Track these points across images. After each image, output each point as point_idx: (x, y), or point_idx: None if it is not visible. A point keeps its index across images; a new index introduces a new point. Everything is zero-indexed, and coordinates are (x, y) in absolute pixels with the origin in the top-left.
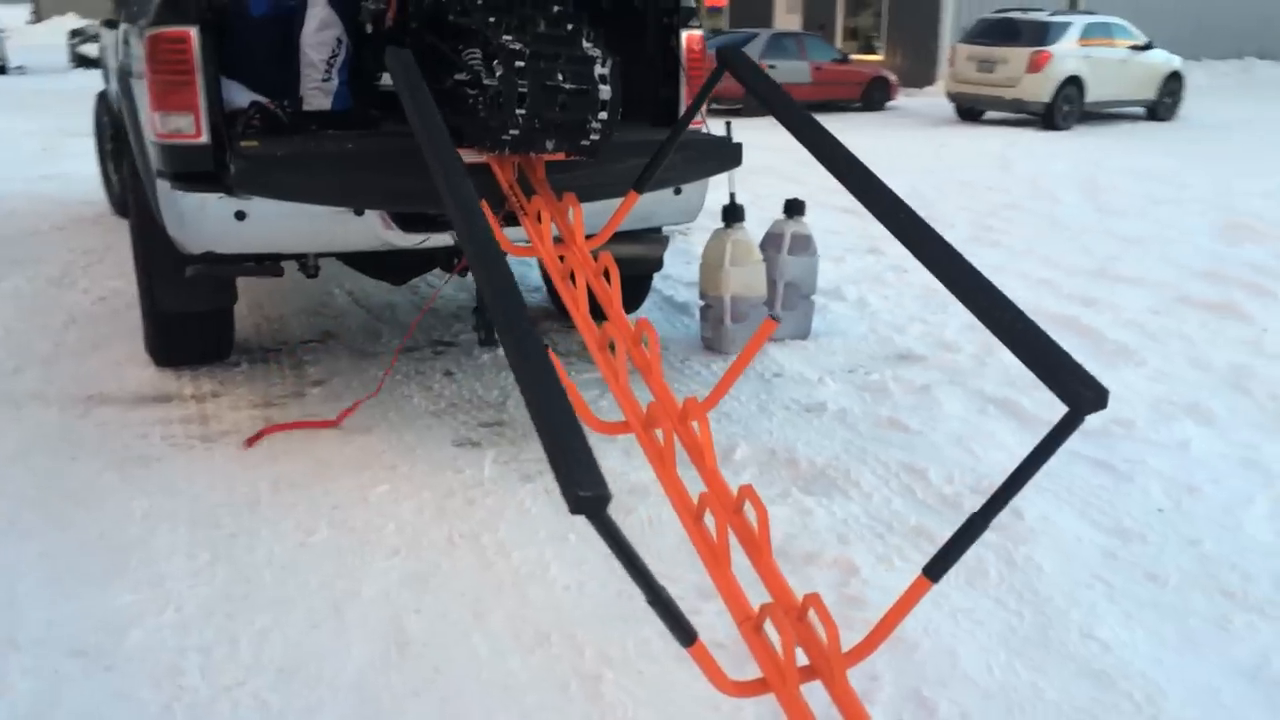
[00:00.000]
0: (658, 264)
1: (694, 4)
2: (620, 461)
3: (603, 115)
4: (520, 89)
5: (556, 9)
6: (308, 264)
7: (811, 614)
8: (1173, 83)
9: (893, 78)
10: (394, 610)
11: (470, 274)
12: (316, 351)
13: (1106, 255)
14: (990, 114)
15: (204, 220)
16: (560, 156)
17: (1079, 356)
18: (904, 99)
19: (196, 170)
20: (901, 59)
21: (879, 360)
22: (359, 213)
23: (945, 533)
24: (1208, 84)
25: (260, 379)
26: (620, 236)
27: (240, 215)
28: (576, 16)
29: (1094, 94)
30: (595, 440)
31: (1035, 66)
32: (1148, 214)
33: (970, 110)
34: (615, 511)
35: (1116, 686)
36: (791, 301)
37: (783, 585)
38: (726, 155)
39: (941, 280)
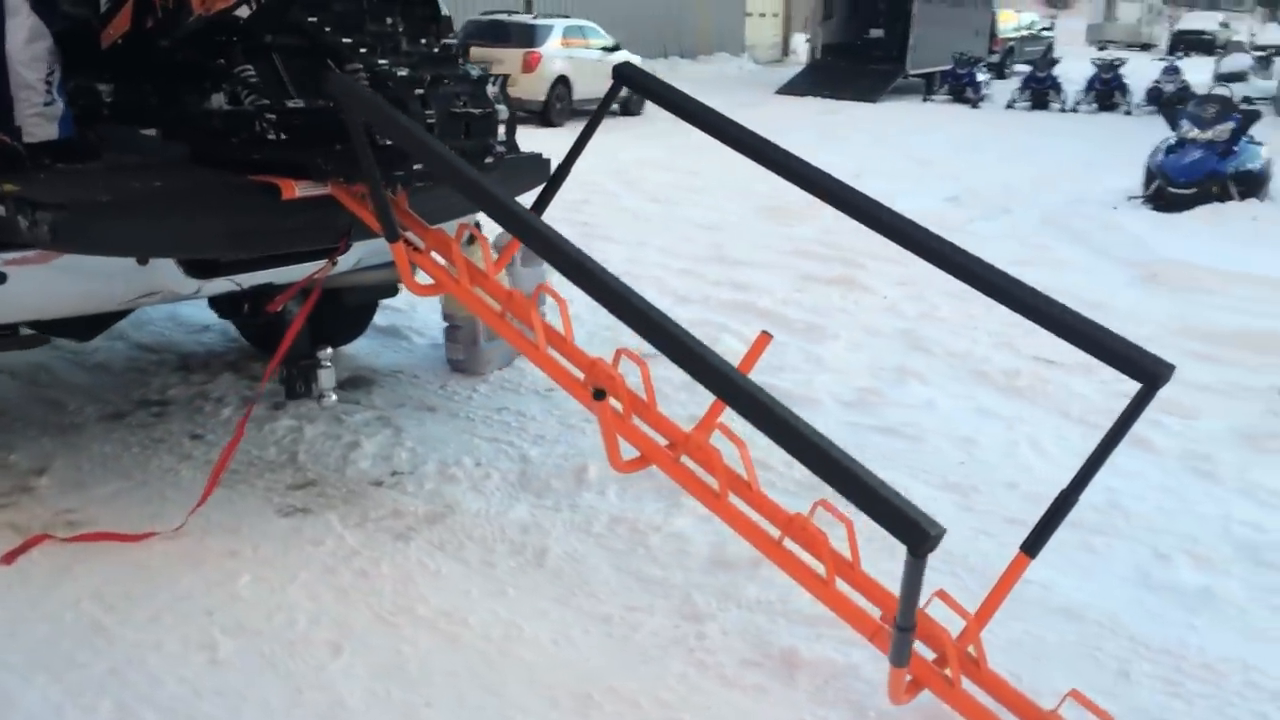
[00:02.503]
0: (393, 290)
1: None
2: (477, 502)
3: (502, 136)
4: (428, 120)
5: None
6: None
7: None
8: None
9: None
10: (400, 712)
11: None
12: None
13: (707, 243)
14: None
15: None
16: None
17: (778, 338)
18: None
19: None
20: None
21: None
22: (143, 262)
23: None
24: None
25: None
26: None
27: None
28: (433, 29)
29: (579, 92)
30: (437, 483)
31: (529, 66)
32: (691, 202)
33: None
34: (525, 552)
35: (1086, 618)
36: None
37: (884, 593)
38: (536, 171)
39: (970, 283)
